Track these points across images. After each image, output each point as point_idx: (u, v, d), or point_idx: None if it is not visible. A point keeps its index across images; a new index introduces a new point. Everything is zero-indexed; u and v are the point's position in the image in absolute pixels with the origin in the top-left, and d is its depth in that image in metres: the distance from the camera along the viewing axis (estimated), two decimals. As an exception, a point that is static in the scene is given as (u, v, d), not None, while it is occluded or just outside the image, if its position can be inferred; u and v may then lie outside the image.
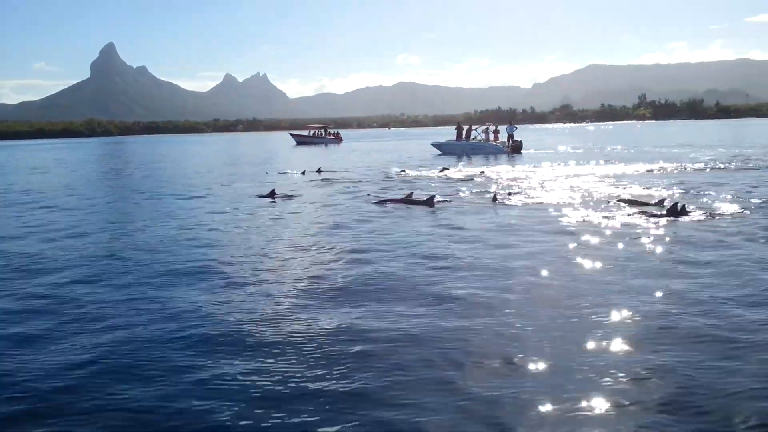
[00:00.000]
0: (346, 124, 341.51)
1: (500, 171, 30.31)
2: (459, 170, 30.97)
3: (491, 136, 49.98)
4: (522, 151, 48.15)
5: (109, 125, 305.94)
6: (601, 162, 35.40)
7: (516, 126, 52.84)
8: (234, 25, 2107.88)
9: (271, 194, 21.70)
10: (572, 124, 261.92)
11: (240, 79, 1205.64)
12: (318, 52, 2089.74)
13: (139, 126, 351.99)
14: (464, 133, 51.08)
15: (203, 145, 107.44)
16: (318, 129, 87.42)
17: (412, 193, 20.10)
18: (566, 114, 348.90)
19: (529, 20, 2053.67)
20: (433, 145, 52.47)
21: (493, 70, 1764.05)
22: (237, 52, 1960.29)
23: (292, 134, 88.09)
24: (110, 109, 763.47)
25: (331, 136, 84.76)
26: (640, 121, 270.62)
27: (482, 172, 28.80)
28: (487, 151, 47.24)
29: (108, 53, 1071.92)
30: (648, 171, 28.36)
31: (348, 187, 24.63)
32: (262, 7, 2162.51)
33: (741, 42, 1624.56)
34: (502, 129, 51.52)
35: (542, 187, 22.43)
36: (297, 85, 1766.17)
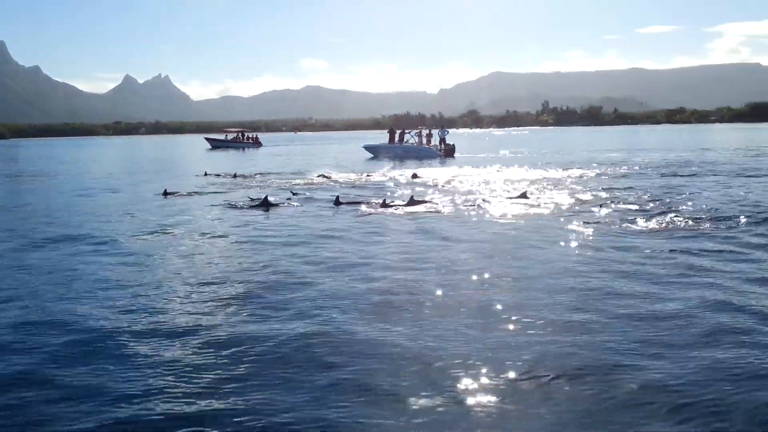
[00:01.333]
0: (254, 127, 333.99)
1: (433, 173, 30.45)
2: (391, 173, 30.82)
3: (424, 140, 50.27)
4: (455, 155, 48.13)
5: (1, 128, 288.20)
6: (533, 165, 35.37)
7: (448, 130, 53.30)
8: (133, 24, 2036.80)
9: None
10: (479, 130, 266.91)
11: (140, 81, 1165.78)
12: (221, 54, 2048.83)
13: (33, 128, 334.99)
14: (397, 136, 50.73)
15: (105, 148, 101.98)
16: (235, 132, 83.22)
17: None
18: (473, 119, 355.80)
19: (435, 27, 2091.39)
20: (366, 148, 52.00)
21: (400, 75, 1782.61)
22: (137, 53, 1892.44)
23: (207, 138, 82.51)
24: (3, 112, 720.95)
25: (250, 140, 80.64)
26: (543, 127, 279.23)
27: (414, 175, 28.51)
28: (421, 154, 47.06)
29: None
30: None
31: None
32: (163, 6, 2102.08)
33: (634, 52, 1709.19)
34: (435, 133, 51.76)
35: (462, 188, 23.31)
36: (200, 87, 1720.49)
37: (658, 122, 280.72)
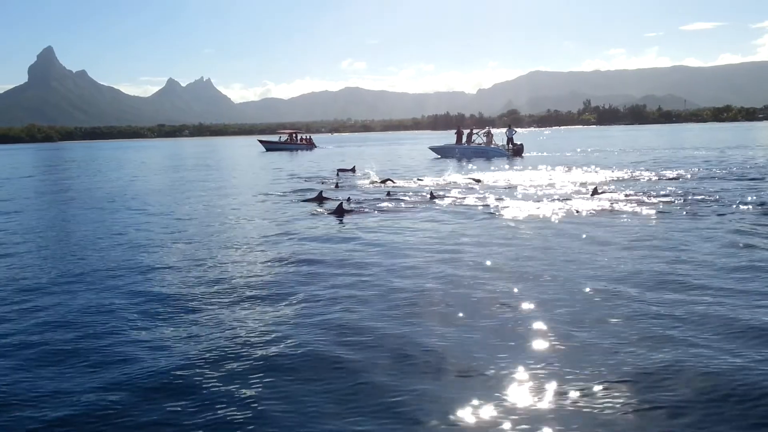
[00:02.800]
0: (294, 128, 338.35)
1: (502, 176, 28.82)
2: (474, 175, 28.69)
3: (491, 140, 49.10)
4: (523, 155, 47.12)
5: (50, 131, 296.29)
6: (612, 168, 32.10)
7: (515, 130, 51.62)
8: (176, 29, 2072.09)
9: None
10: (521, 129, 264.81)
11: (183, 84, 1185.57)
12: (262, 57, 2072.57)
13: (81, 131, 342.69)
14: (465, 136, 50.22)
15: (160, 150, 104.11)
16: (289, 134, 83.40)
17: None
18: (513, 119, 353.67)
19: (473, 27, 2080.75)
20: (432, 149, 51.06)
21: (438, 76, 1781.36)
22: (180, 57, 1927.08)
23: (261, 140, 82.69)
24: (49, 115, 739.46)
25: (303, 142, 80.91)
26: (585, 126, 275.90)
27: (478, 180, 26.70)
28: (489, 154, 46.39)
29: (46, 57, 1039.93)
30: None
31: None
32: (205, 11, 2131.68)
33: (676, 49, 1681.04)
34: (501, 132, 50.97)
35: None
36: (241, 90, 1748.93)
37: (704, 120, 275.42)
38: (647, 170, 29.20)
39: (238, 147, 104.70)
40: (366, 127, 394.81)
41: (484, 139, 49.46)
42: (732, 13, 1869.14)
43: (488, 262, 10.60)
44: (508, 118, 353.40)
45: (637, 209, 16.14)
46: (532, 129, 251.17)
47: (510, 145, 48.42)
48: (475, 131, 50.92)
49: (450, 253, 11.39)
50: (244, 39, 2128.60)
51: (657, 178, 25.45)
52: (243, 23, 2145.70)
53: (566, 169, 31.54)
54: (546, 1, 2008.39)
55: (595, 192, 19.58)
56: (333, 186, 26.01)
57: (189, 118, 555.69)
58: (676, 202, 17.71)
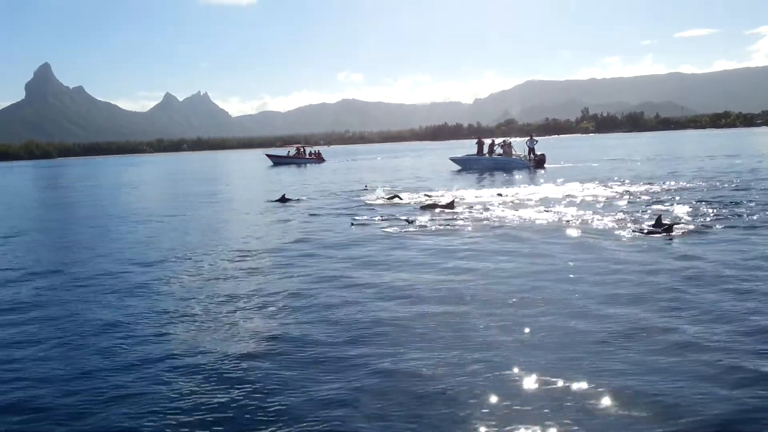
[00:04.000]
0: (292, 141, 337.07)
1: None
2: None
3: (512, 150, 48.32)
4: (545, 165, 46.00)
5: (48, 147, 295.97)
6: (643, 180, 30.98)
7: (536, 139, 50.40)
8: (172, 44, 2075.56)
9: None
10: (519, 138, 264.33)
11: (180, 98, 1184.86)
12: (259, 71, 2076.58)
13: (79, 147, 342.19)
14: (486, 147, 49.25)
15: (161, 166, 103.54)
16: (297, 148, 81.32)
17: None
18: (511, 128, 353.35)
19: (469, 37, 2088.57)
20: (453, 160, 50.30)
21: (435, 86, 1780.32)
22: (176, 71, 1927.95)
23: (269, 155, 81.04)
24: (47, 131, 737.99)
25: (312, 156, 78.90)
26: (584, 134, 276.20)
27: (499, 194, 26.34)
28: (511, 166, 45.61)
29: (43, 74, 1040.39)
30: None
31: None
32: (200, 25, 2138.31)
33: (672, 56, 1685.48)
34: (521, 142, 50.42)
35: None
36: (238, 103, 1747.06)
37: (703, 127, 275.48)
38: (690, 182, 27.95)
39: (244, 161, 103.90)
40: (364, 139, 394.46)
41: (504, 149, 48.51)
42: (726, 19, 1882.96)
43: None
44: (506, 127, 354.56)
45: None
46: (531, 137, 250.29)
47: (532, 155, 47.31)
48: (497, 142, 49.98)
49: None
50: (241, 52, 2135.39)
51: (707, 191, 23.73)
52: (239, 36, 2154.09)
53: (603, 185, 28.89)
54: (541, 10, 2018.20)
55: (658, 223, 15.66)
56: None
57: (187, 132, 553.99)
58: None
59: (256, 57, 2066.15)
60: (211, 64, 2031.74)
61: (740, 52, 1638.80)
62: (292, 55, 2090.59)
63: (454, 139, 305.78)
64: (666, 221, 15.80)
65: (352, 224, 19.06)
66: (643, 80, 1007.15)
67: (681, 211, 18.80)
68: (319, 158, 78.47)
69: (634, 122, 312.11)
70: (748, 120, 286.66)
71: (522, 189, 28.89)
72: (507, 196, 25.54)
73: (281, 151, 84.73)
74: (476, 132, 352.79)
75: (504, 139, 52.17)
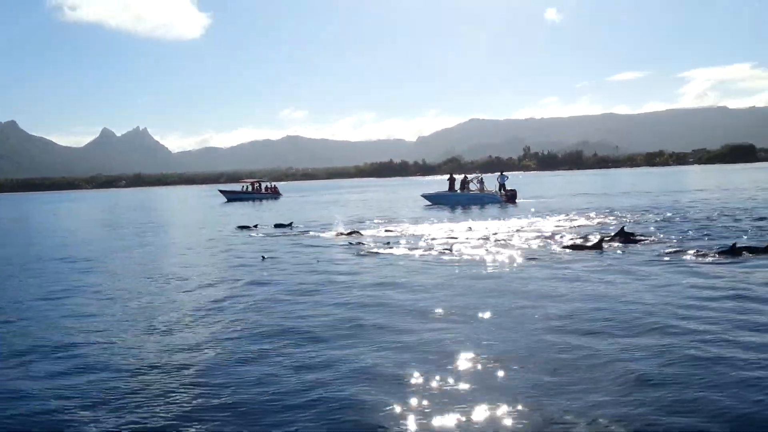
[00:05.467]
0: (236, 178, 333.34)
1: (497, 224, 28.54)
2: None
3: (484, 186, 49.03)
4: (516, 201, 47.15)
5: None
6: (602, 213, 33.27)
7: (507, 175, 51.72)
8: (109, 78, 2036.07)
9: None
10: (470, 174, 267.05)
11: (118, 134, 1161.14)
12: (200, 106, 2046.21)
13: (12, 183, 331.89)
14: (457, 183, 49.35)
15: (100, 201, 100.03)
16: (252, 183, 79.95)
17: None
18: (456, 166, 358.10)
19: (413, 76, 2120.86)
20: (425, 196, 50.25)
21: (379, 124, 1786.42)
22: (114, 106, 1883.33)
23: (222, 191, 79.29)
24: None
25: (269, 191, 77.40)
26: (527, 172, 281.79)
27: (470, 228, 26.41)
28: (484, 201, 46.01)
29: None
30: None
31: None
32: (140, 59, 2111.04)
33: (606, 98, 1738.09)
34: (492, 178, 51.47)
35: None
36: (179, 139, 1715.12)
37: (638, 165, 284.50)
38: (645, 212, 30.67)
39: (194, 197, 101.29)
40: (308, 176, 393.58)
41: (478, 185, 48.94)
42: (656, 63, 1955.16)
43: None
44: (452, 164, 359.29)
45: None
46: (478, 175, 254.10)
47: (503, 191, 48.34)
48: (469, 178, 50.32)
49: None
50: (182, 87, 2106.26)
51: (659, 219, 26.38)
52: (180, 71, 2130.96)
53: (568, 216, 31.24)
54: (481, 51, 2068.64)
55: (600, 244, 18.89)
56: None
57: (125, 168, 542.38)
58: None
59: (198, 92, 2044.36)
60: (151, 99, 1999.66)
61: (670, 94, 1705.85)
62: (235, 90, 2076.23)
63: (399, 176, 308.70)
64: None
65: (263, 258, 19.45)
66: (580, 120, 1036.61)
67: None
68: (275, 192, 76.92)
69: (574, 161, 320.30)
70: (680, 158, 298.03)
71: (499, 222, 29.34)
72: (478, 230, 25.55)
73: (236, 187, 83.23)
74: (422, 169, 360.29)
75: (476, 174, 52.72)
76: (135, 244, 26.75)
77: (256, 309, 11.87)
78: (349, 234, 25.54)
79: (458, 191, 48.63)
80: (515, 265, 16.33)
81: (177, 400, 7.30)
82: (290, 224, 31.27)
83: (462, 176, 50.96)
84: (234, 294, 13.59)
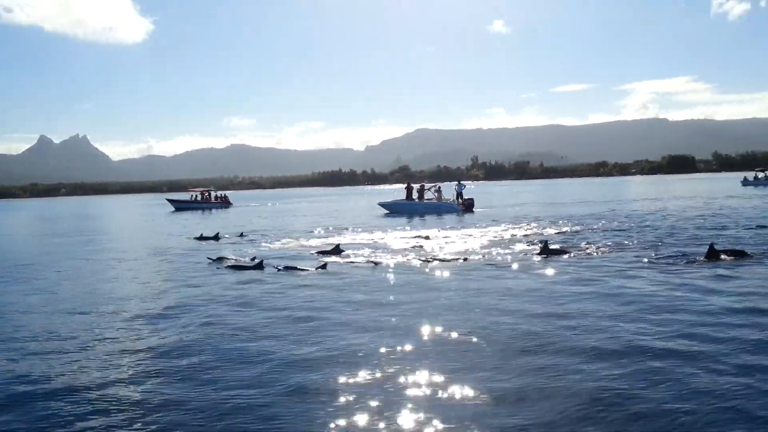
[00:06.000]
0: (180, 186, 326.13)
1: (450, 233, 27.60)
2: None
3: (441, 195, 48.61)
4: (474, 209, 46.95)
5: None
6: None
7: (464, 184, 51.47)
8: (48, 83, 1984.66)
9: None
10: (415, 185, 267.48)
11: (57, 141, 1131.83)
12: (143, 113, 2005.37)
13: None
14: (415, 192, 48.29)
15: (36, 210, 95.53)
16: (201, 192, 76.81)
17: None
18: (404, 175, 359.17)
19: (360, 86, 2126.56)
20: (382, 205, 49.41)
21: (326, 133, 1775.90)
22: (52, 113, 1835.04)
23: (170, 199, 76.56)
24: None
25: (218, 200, 74.63)
26: (475, 181, 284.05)
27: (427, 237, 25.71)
28: (441, 210, 45.48)
29: None
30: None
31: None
32: (80, 64, 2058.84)
33: (551, 109, 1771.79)
34: (450, 187, 51.55)
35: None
36: (120, 146, 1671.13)
37: (583, 175, 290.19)
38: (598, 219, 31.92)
39: (138, 206, 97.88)
40: (255, 184, 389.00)
41: (435, 194, 48.35)
42: (599, 76, 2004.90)
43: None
44: (400, 173, 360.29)
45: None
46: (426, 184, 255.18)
47: (460, 199, 47.95)
48: (426, 187, 49.59)
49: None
50: (124, 93, 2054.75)
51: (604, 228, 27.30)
52: (122, 77, 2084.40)
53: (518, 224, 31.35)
54: (428, 62, 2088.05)
55: (545, 249, 19.19)
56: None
57: (64, 177, 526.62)
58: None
59: (141, 98, 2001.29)
60: (92, 105, 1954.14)
61: (612, 106, 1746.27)
62: (178, 97, 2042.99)
63: (348, 185, 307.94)
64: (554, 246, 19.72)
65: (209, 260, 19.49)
66: (526, 131, 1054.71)
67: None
68: (225, 202, 74.34)
69: (521, 171, 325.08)
70: (623, 169, 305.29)
71: (455, 231, 29.10)
72: (436, 238, 25.31)
73: (184, 196, 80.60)
74: (371, 178, 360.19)
75: (437, 184, 52.25)
76: (83, 253, 24.41)
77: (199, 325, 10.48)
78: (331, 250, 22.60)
79: (415, 200, 47.72)
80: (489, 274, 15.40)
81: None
82: (241, 234, 29.76)
83: (419, 185, 50.00)
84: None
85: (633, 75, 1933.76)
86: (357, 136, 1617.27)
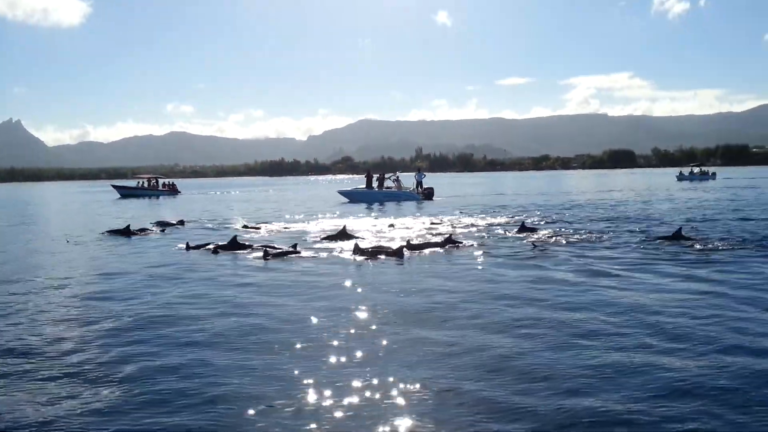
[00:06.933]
0: (119, 174, 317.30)
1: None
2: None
3: (401, 185, 48.94)
4: (434, 198, 47.73)
5: None
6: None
7: (424, 174, 52.27)
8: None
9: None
10: (357, 176, 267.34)
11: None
12: (79, 97, 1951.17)
13: None
14: (375, 180, 48.58)
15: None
16: (148, 179, 74.64)
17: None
18: (348, 166, 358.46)
19: (302, 75, 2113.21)
20: (342, 193, 49.84)
21: (268, 122, 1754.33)
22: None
23: (115, 186, 74.68)
24: None
25: (166, 187, 73.31)
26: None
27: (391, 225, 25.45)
28: (401, 198, 45.81)
29: None
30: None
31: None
32: (12, 45, 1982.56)
33: (493, 102, 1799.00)
34: (410, 176, 52.21)
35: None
36: (55, 132, 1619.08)
37: (526, 169, 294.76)
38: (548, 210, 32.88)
39: (80, 193, 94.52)
40: (197, 173, 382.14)
41: (395, 183, 48.74)
42: (542, 69, 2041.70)
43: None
44: (343, 164, 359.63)
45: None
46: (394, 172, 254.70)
47: (420, 188, 48.40)
48: (386, 176, 49.76)
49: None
50: (59, 77, 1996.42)
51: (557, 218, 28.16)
52: (58, 60, 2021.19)
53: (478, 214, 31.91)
54: (371, 52, 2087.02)
55: (523, 228, 21.72)
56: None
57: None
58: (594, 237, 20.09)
59: (77, 83, 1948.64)
60: (25, 89, 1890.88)
61: (555, 100, 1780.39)
62: (116, 82, 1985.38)
63: (290, 176, 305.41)
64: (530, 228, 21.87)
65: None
66: (468, 123, 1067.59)
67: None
68: (173, 190, 72.93)
69: (465, 163, 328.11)
70: (565, 163, 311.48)
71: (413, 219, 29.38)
72: (398, 226, 25.15)
73: (130, 182, 78.74)
74: (314, 168, 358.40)
75: (394, 172, 53.01)
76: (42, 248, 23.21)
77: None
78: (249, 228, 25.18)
79: (375, 188, 47.87)
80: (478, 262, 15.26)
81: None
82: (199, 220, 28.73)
83: (379, 174, 50.14)
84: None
85: (575, 70, 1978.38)
86: (300, 125, 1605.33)
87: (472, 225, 24.98)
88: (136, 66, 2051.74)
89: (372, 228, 24.40)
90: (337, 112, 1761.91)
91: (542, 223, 25.71)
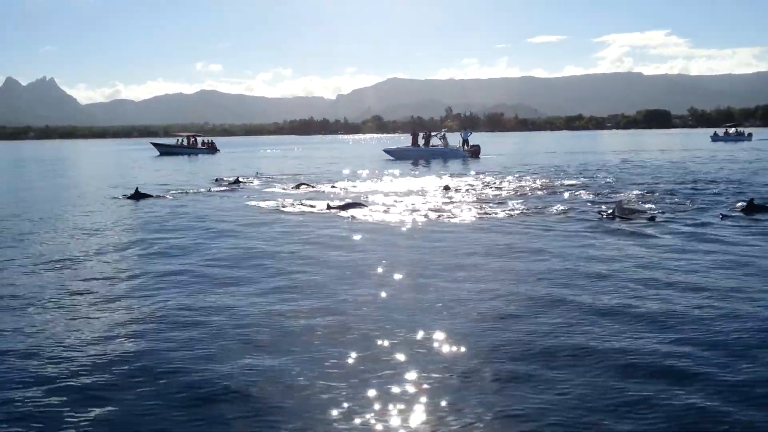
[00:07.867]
0: (150, 132, 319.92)
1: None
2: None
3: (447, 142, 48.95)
4: (480, 156, 47.47)
5: None
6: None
7: (470, 131, 52.76)
8: (14, 24, 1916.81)
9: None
10: (387, 135, 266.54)
11: (24, 83, 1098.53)
12: (110, 56, 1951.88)
13: None
14: (421, 138, 48.95)
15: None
16: (188, 137, 75.21)
17: None
18: (378, 125, 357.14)
19: (330, 33, 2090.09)
20: (387, 151, 50.22)
21: (297, 81, 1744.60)
22: (19, 54, 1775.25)
23: (155, 143, 75.29)
24: None
25: (205, 146, 73.36)
26: (449, 132, 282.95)
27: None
28: (447, 156, 45.99)
29: None
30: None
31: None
32: (45, 4, 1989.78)
33: (524, 60, 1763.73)
34: (456, 134, 51.97)
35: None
36: (88, 90, 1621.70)
37: (559, 128, 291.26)
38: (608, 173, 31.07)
39: (120, 151, 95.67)
40: (227, 132, 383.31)
41: (441, 141, 48.84)
42: (574, 27, 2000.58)
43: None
44: (373, 123, 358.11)
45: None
46: (399, 135, 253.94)
47: (466, 146, 48.57)
48: (433, 133, 49.92)
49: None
50: (91, 36, 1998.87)
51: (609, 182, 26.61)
52: (90, 19, 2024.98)
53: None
54: (399, 10, 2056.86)
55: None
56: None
57: (31, 120, 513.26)
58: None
59: (108, 41, 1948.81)
60: (58, 48, 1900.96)
61: (587, 59, 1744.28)
62: (147, 41, 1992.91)
63: (319, 135, 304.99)
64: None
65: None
66: (499, 82, 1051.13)
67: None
68: (212, 148, 73.40)
69: (495, 123, 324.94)
70: (599, 123, 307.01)
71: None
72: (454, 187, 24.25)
73: (170, 140, 79.46)
74: (343, 127, 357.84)
75: (442, 130, 53.05)
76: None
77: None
78: (297, 187, 25.92)
79: (421, 146, 48.22)
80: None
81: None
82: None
83: (425, 132, 50.46)
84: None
85: (608, 27, 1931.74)
86: (328, 84, 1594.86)
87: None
88: (166, 24, 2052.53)
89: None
90: (365, 71, 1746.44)
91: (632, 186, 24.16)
